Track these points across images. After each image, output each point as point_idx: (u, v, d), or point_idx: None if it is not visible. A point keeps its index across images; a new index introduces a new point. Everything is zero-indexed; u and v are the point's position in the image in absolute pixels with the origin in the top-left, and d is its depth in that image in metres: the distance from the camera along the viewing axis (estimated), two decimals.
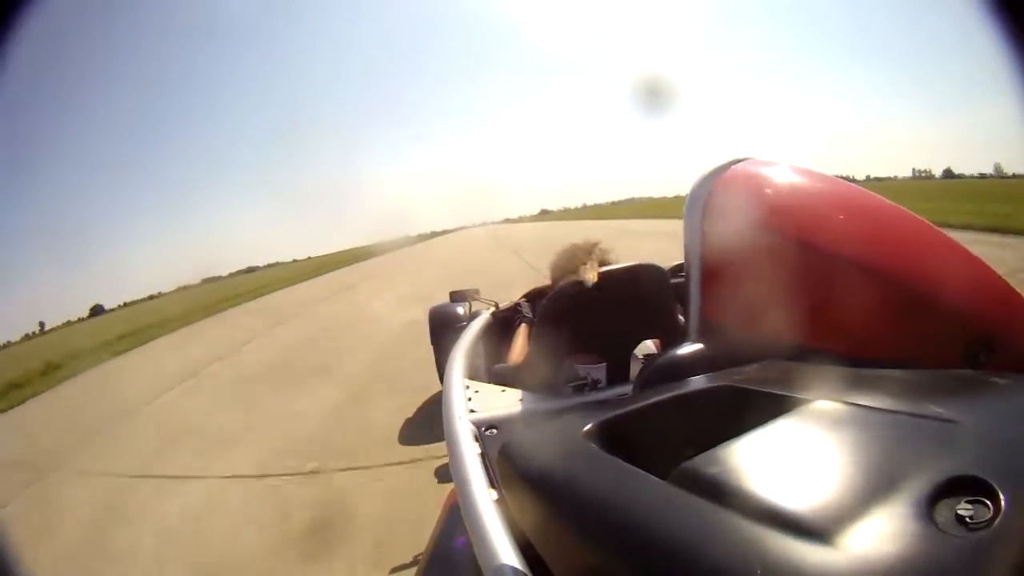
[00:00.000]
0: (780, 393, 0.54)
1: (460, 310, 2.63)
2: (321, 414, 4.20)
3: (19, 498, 3.75)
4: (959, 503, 0.34)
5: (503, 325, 1.61)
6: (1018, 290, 0.78)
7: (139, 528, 2.90)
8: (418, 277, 12.76)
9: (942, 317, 0.73)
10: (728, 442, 0.47)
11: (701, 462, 0.45)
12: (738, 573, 0.35)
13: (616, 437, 0.56)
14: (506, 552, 0.53)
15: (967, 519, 0.33)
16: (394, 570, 1.99)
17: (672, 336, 0.95)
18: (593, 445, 0.54)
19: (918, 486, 0.36)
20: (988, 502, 0.33)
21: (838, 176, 1.00)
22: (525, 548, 0.53)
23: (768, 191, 0.89)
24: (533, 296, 1.66)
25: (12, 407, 7.76)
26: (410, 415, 3.69)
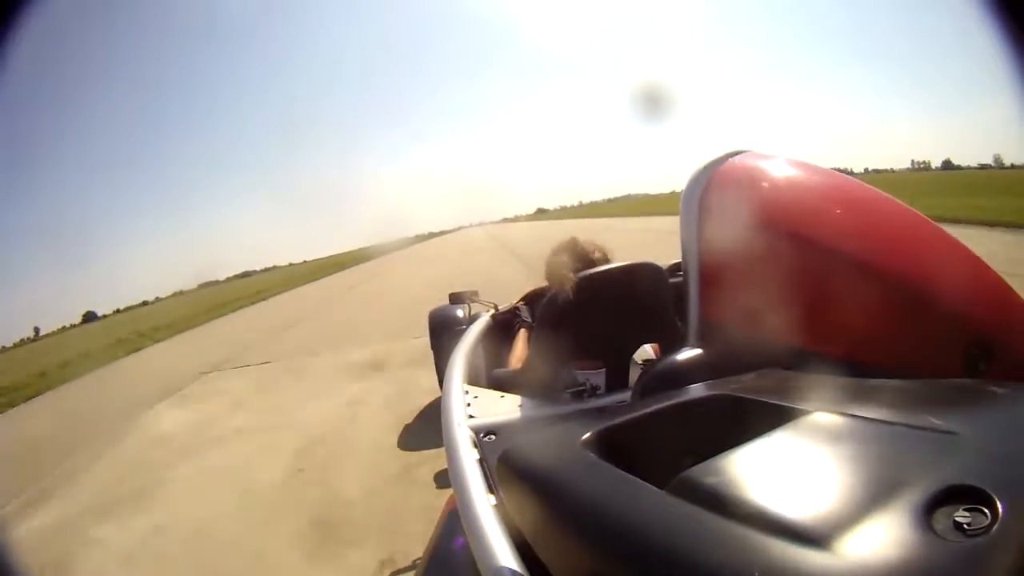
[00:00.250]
0: (778, 403, 0.54)
1: (459, 312, 2.64)
2: None
3: None
4: (957, 511, 0.34)
5: (502, 327, 1.61)
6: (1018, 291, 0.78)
7: None
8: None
9: (941, 319, 0.73)
10: (726, 452, 0.47)
11: (699, 472, 0.45)
12: None
13: (614, 446, 0.56)
14: (504, 554, 0.53)
15: (965, 526, 0.33)
16: (394, 573, 2.00)
17: (670, 337, 0.95)
18: (591, 454, 0.54)
19: (916, 494, 0.36)
20: (986, 510, 0.34)
21: (835, 169, 0.99)
22: (524, 552, 0.53)
23: (765, 184, 0.88)
24: (532, 298, 1.67)
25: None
26: None
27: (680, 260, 0.94)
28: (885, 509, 0.36)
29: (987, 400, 0.55)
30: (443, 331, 2.67)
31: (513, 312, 1.64)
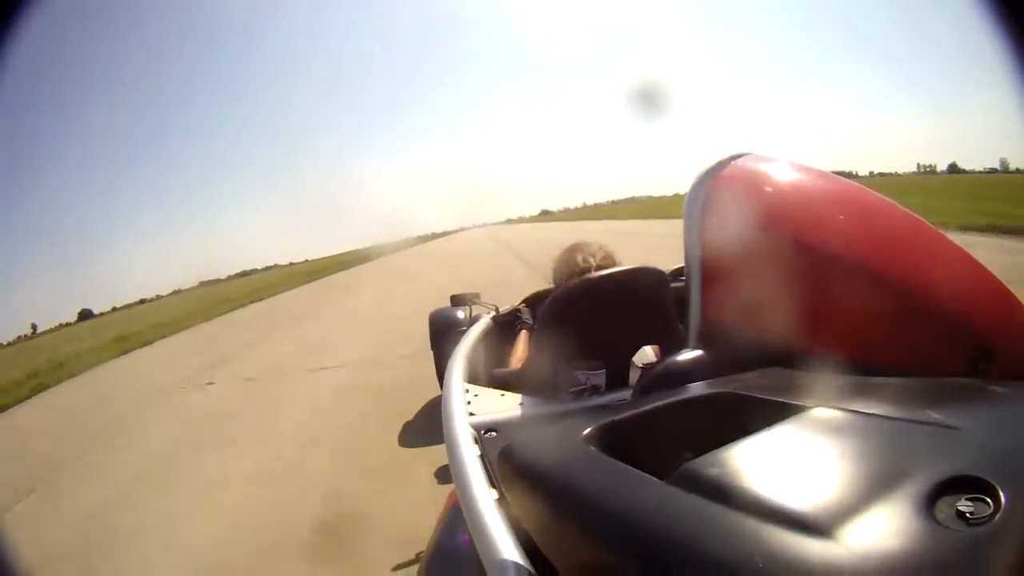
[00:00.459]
0: (779, 400, 0.54)
1: (460, 314, 2.65)
2: None
3: None
4: (959, 500, 0.34)
5: (503, 329, 1.61)
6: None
7: None
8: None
9: (942, 322, 0.73)
10: (728, 445, 0.47)
11: (701, 463, 0.46)
12: (739, 568, 0.35)
13: (615, 441, 0.56)
14: (507, 547, 0.53)
15: (968, 515, 0.33)
16: (397, 567, 1.99)
17: (671, 340, 0.95)
18: (593, 448, 0.55)
19: (919, 484, 0.37)
20: (988, 499, 0.34)
21: (839, 172, 1.00)
22: (526, 546, 0.53)
23: (768, 188, 0.88)
24: (533, 300, 1.67)
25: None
26: None
27: (682, 265, 0.94)
28: (887, 499, 0.36)
29: (988, 397, 0.55)
30: (444, 333, 2.68)
31: (514, 314, 1.64)
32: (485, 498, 0.61)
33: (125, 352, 11.66)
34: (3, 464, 4.75)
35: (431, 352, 3.01)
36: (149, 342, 12.62)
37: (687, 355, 0.80)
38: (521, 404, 0.92)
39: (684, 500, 0.42)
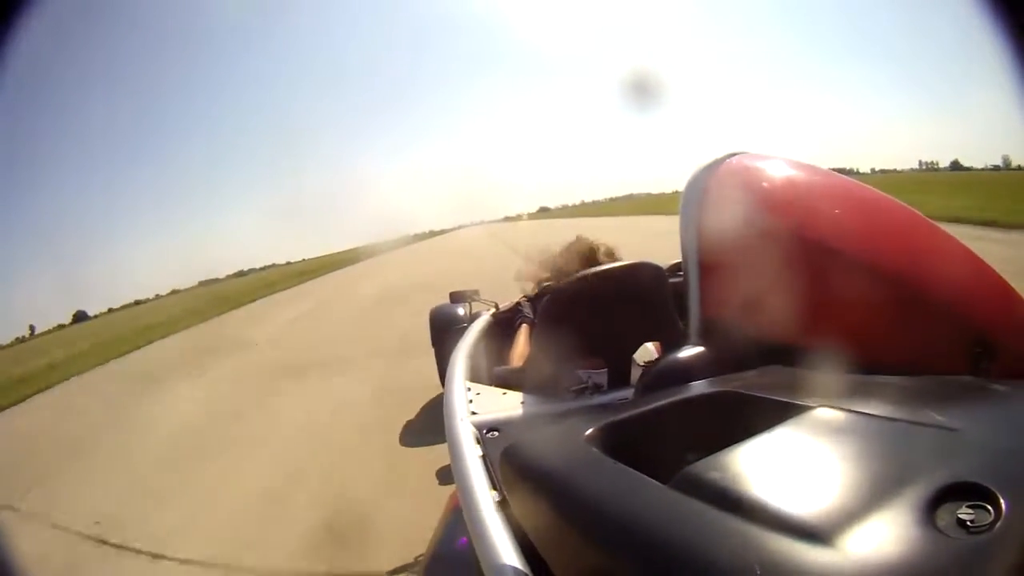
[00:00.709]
0: (781, 400, 0.54)
1: (460, 311, 2.65)
2: None
3: None
4: (960, 507, 0.34)
5: (504, 326, 1.61)
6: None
7: None
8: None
9: (943, 317, 0.73)
10: (730, 448, 0.47)
11: (702, 467, 0.45)
12: (739, 575, 0.35)
13: (617, 442, 0.56)
14: (507, 553, 0.53)
15: (968, 523, 0.33)
16: (395, 571, 1.99)
17: (672, 336, 0.96)
18: (595, 449, 0.54)
19: (919, 491, 0.36)
20: (989, 507, 0.34)
21: (840, 169, 1.00)
22: (527, 550, 0.53)
23: (764, 184, 0.88)
24: (534, 296, 1.67)
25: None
26: None
27: (679, 261, 0.94)
28: (888, 505, 0.36)
29: (989, 397, 0.55)
30: (444, 330, 2.68)
31: (514, 310, 1.64)
32: (486, 501, 0.61)
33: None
34: None
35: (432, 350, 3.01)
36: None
37: (688, 352, 0.81)
38: (523, 403, 0.92)
39: (685, 505, 0.42)
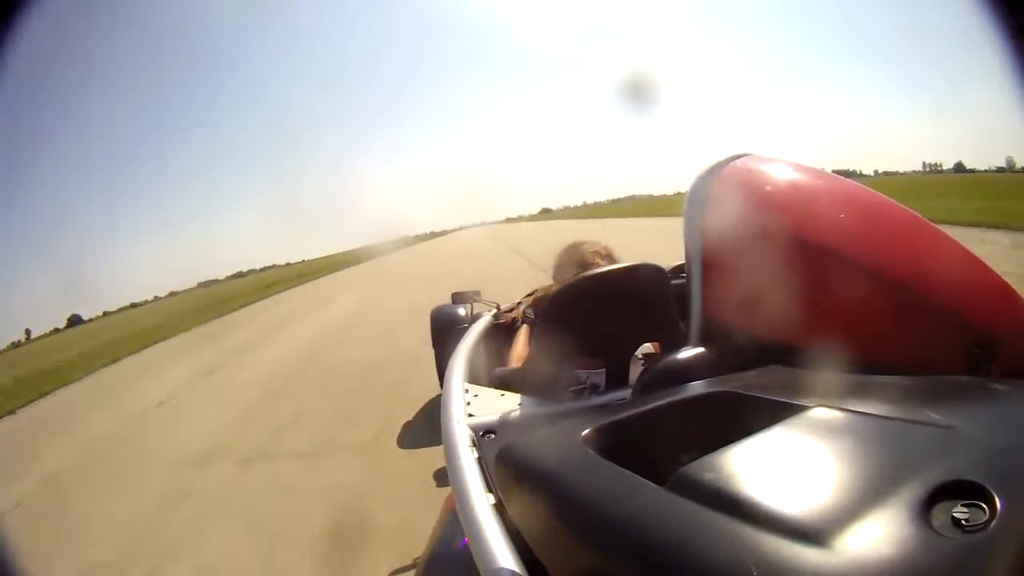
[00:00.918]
0: (778, 400, 0.54)
1: (462, 311, 2.65)
2: None
3: None
4: (955, 506, 0.34)
5: (505, 327, 1.61)
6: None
7: None
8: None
9: (943, 318, 0.73)
10: (724, 448, 0.47)
11: (698, 468, 0.45)
12: None
13: (614, 442, 0.56)
14: (504, 555, 0.53)
15: (963, 522, 0.33)
16: (394, 573, 1.99)
17: (672, 337, 0.95)
18: (591, 451, 0.54)
19: (914, 490, 0.36)
20: (984, 506, 0.34)
21: (842, 171, 1.00)
22: (523, 552, 0.53)
23: (768, 187, 0.89)
24: (534, 298, 1.67)
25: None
26: None
27: (682, 263, 0.94)
28: (883, 505, 0.36)
29: (986, 396, 0.55)
30: (445, 330, 2.68)
31: (515, 311, 1.64)
32: (482, 503, 0.60)
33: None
34: None
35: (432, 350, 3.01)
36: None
37: (687, 353, 0.80)
38: (520, 404, 0.92)
39: (680, 506, 0.42)
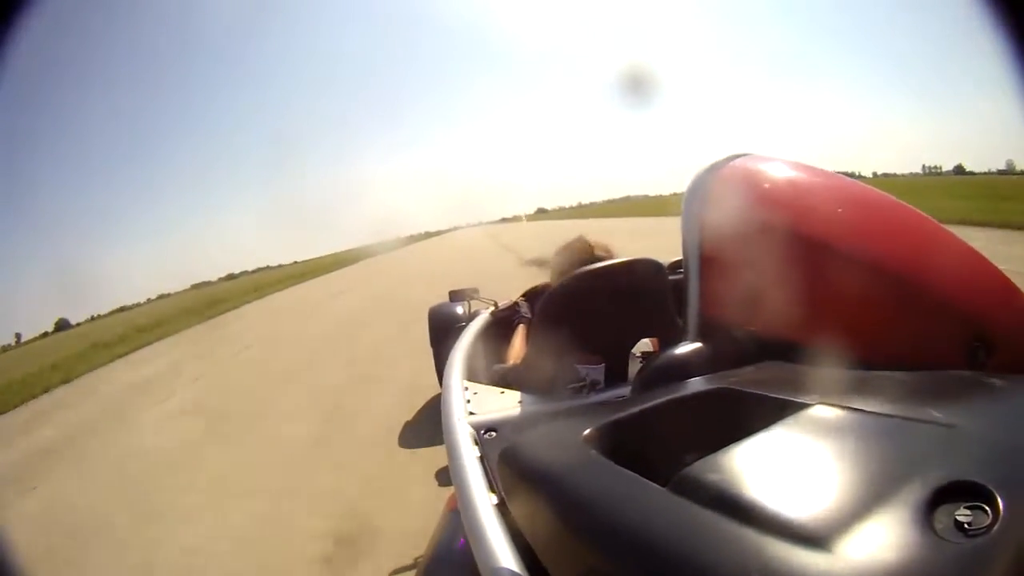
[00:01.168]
0: (778, 396, 0.54)
1: (459, 309, 2.64)
2: None
3: None
4: (958, 509, 0.34)
5: (502, 324, 1.61)
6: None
7: None
8: None
9: (942, 313, 0.73)
10: (727, 448, 0.47)
11: (700, 469, 0.45)
12: None
13: (615, 442, 0.56)
14: (505, 555, 0.53)
15: (966, 525, 0.33)
16: (394, 572, 1.99)
17: (670, 333, 0.96)
18: (593, 451, 0.54)
19: (917, 491, 0.36)
20: (987, 508, 0.33)
21: (842, 173, 1.00)
22: (524, 552, 0.53)
23: (767, 186, 0.89)
24: (532, 294, 1.67)
25: None
26: None
27: (680, 258, 0.94)
28: (885, 508, 0.36)
29: (987, 393, 0.55)
30: (443, 328, 2.67)
31: (513, 309, 1.64)
32: (484, 503, 0.60)
33: None
34: None
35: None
36: None
37: (686, 348, 0.81)
38: (521, 402, 0.92)
39: (682, 508, 0.42)
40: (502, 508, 0.59)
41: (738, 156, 0.93)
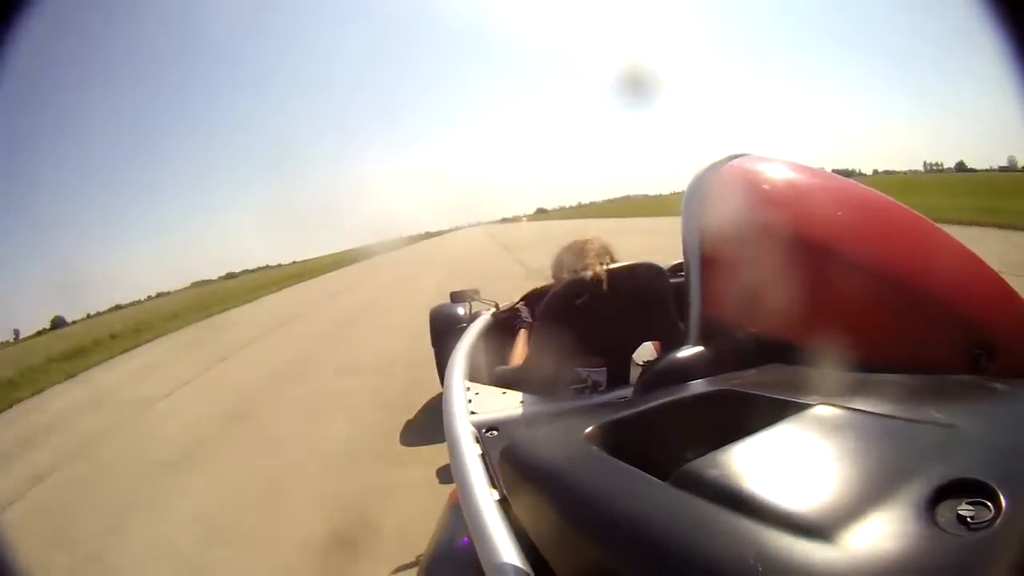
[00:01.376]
0: (780, 398, 0.54)
1: (461, 311, 2.64)
2: None
3: None
4: (960, 504, 0.34)
5: (504, 326, 1.61)
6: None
7: None
8: None
9: (943, 317, 0.73)
10: (729, 445, 0.47)
11: (702, 464, 0.45)
12: (739, 572, 0.35)
13: (617, 440, 0.56)
14: (508, 551, 0.53)
15: (968, 519, 0.33)
16: (396, 570, 1.99)
17: (671, 336, 0.96)
18: (595, 448, 0.55)
19: (919, 488, 0.36)
20: (989, 503, 0.34)
21: (841, 170, 1.00)
22: (527, 547, 0.53)
23: (766, 186, 0.89)
24: (533, 296, 1.67)
25: None
26: None
27: (681, 261, 0.94)
28: (887, 503, 0.36)
29: (988, 395, 0.55)
30: (444, 329, 2.67)
31: (514, 310, 1.64)
32: (486, 499, 0.61)
33: None
34: None
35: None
36: None
37: (687, 351, 0.81)
38: (522, 402, 0.92)
39: (684, 502, 0.42)
40: (504, 504, 0.60)
41: (736, 156, 0.93)
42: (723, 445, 0.47)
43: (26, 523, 3.10)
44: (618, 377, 1.03)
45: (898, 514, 0.35)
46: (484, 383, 1.04)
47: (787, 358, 0.69)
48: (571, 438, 0.57)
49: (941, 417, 0.45)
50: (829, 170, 1.09)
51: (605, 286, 1.05)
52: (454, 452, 0.74)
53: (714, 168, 0.91)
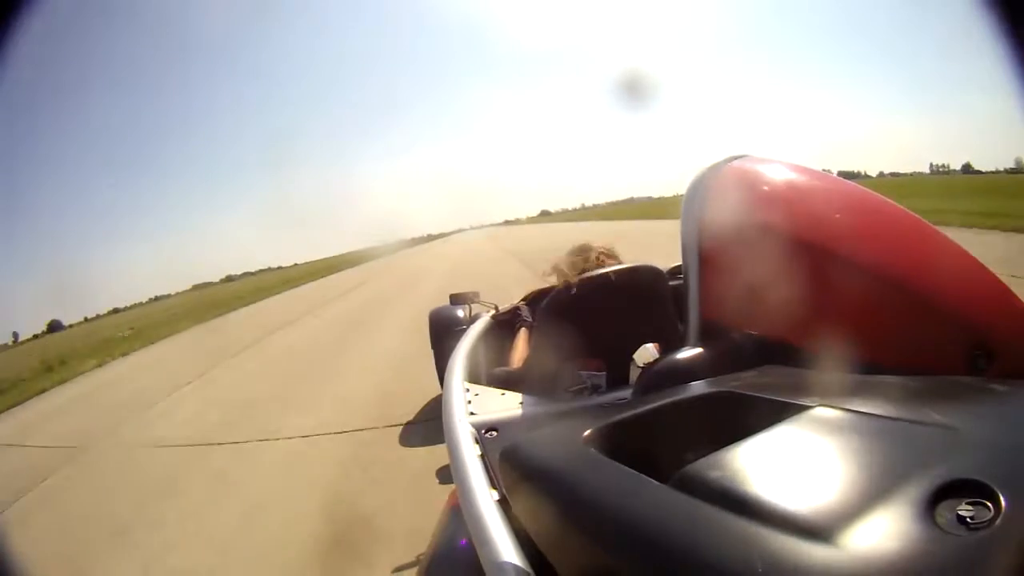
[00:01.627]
0: (779, 399, 0.54)
1: (460, 313, 2.65)
2: None
3: None
4: (960, 505, 0.34)
5: (503, 328, 1.61)
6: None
7: None
8: None
9: (942, 319, 0.73)
10: (729, 447, 0.47)
11: (702, 466, 0.45)
12: (740, 573, 0.35)
13: (617, 442, 0.56)
14: (508, 552, 0.53)
15: (968, 519, 0.33)
16: (396, 570, 1.99)
17: (670, 338, 0.96)
18: (594, 450, 0.55)
19: (918, 488, 0.36)
20: (989, 504, 0.34)
21: (847, 173, 1.00)
22: (527, 547, 0.53)
23: (766, 187, 0.89)
24: (533, 298, 1.67)
25: None
26: None
27: (680, 264, 0.94)
28: (887, 503, 0.36)
29: (987, 396, 0.55)
30: (444, 331, 2.68)
31: (514, 312, 1.64)
32: (486, 500, 0.61)
33: None
34: None
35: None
36: None
37: (686, 353, 0.81)
38: (522, 403, 0.92)
39: (684, 504, 0.42)
40: (504, 505, 0.60)
41: (736, 157, 0.93)
42: (723, 447, 0.47)
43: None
44: (618, 378, 1.03)
45: (898, 514, 0.35)
46: (484, 384, 1.04)
47: (786, 359, 0.69)
48: (570, 440, 0.58)
49: (940, 418, 0.45)
50: (835, 172, 1.09)
51: (606, 288, 1.05)
52: (454, 453, 0.74)
53: (713, 169, 0.91)
